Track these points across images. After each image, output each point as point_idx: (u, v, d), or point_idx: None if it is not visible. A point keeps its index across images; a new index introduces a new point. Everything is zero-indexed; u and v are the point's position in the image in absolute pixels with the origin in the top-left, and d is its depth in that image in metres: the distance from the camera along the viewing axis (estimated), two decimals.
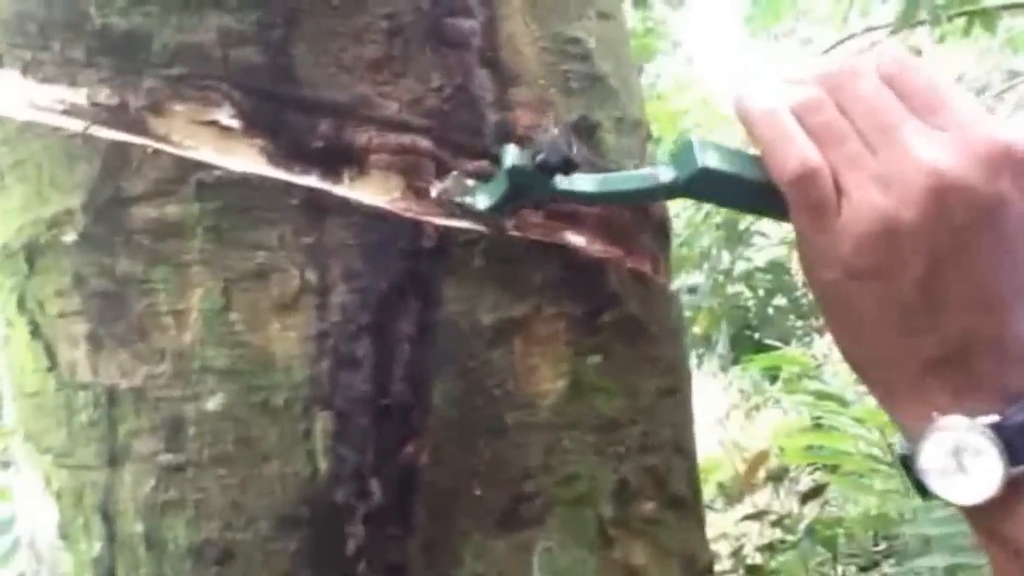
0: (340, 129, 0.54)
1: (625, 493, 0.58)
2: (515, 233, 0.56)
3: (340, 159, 0.54)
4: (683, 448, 0.63)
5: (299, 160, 0.53)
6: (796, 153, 0.49)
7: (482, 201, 0.55)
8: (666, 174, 0.54)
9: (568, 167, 0.52)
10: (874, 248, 0.48)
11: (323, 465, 0.52)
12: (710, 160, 0.52)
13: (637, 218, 0.62)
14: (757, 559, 3.62)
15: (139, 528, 0.54)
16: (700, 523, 0.64)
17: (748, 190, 0.53)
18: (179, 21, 0.52)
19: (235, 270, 0.53)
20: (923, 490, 0.51)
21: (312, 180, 0.53)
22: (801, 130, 0.49)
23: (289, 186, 0.53)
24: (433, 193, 0.55)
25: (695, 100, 4.93)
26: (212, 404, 0.53)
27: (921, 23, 4.00)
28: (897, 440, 0.54)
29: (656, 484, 0.60)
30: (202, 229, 0.53)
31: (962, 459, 0.49)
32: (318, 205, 0.53)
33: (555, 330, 0.58)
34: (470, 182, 0.55)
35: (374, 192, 0.54)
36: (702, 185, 0.53)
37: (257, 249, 0.53)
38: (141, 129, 0.53)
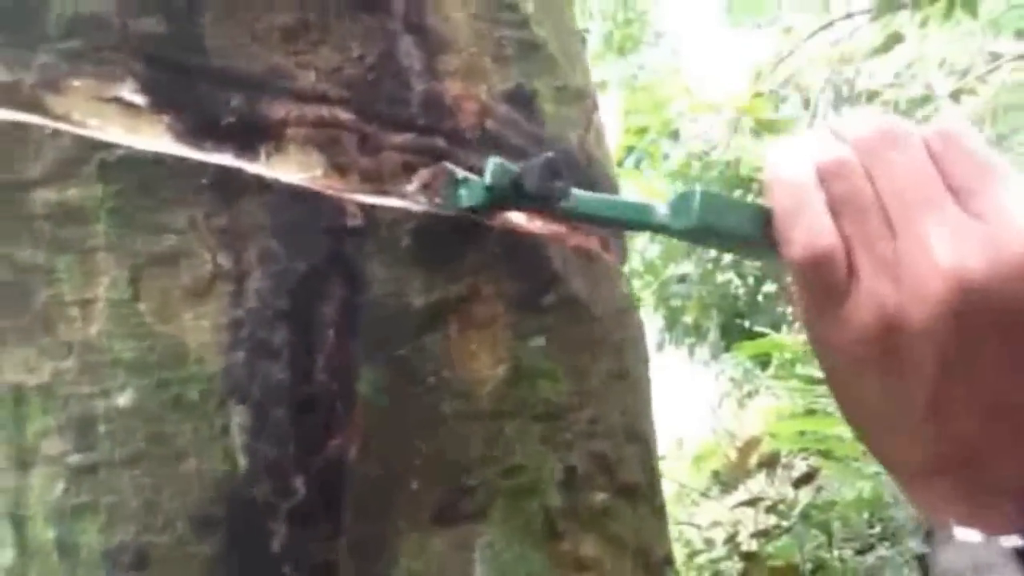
0: (254, 103, 0.50)
1: (573, 482, 0.55)
2: (449, 212, 0.52)
3: (255, 135, 0.50)
4: (637, 434, 0.59)
5: (210, 137, 0.49)
6: (806, 234, 0.43)
7: (464, 199, 0.52)
8: (662, 214, 0.50)
9: (544, 200, 0.50)
10: (876, 343, 0.43)
11: (241, 462, 0.48)
12: (709, 216, 0.48)
13: None
14: (753, 545, 3.59)
15: (50, 534, 0.50)
16: (657, 513, 0.60)
17: (748, 245, 0.49)
18: None
19: (143, 256, 0.49)
20: None
21: (225, 158, 0.49)
22: (820, 204, 0.44)
23: (200, 165, 0.49)
24: (417, 182, 0.51)
25: (678, 89, 4.87)
26: (123, 400, 0.49)
27: (903, 7, 3.97)
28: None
29: (606, 472, 0.56)
30: (105, 213, 0.49)
31: (982, 573, 0.44)
32: (232, 184, 0.49)
33: (494, 312, 0.54)
34: (459, 173, 0.52)
35: (293, 169, 0.50)
36: (698, 234, 0.49)
37: (166, 233, 0.49)
38: (38, 108, 0.49)
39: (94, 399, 0.49)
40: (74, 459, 0.50)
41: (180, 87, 0.49)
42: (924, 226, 0.42)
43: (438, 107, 0.52)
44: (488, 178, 0.50)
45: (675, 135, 4.91)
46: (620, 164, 5.16)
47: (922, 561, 0.48)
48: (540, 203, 0.51)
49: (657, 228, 0.51)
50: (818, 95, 5.42)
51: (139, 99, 0.49)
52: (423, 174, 0.52)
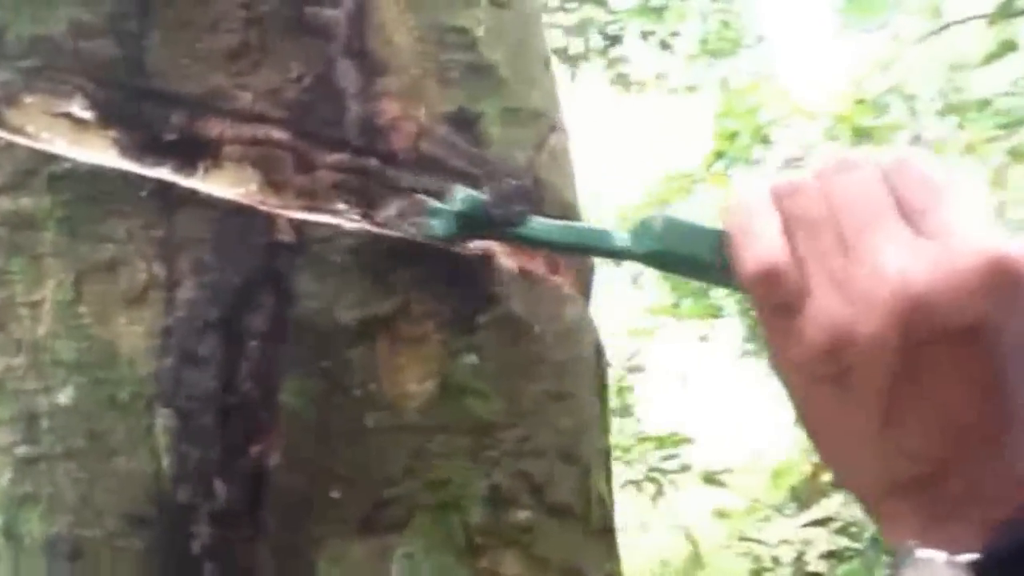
0: (193, 121, 0.52)
1: (497, 500, 0.56)
2: (380, 230, 0.54)
3: (194, 151, 0.53)
4: (573, 456, 0.60)
5: (152, 152, 0.52)
6: (758, 250, 0.45)
7: (437, 227, 0.54)
8: (621, 240, 0.52)
9: (512, 222, 0.52)
10: (829, 358, 0.43)
11: (165, 463, 0.51)
12: (668, 241, 0.50)
13: None
14: (821, 567, 3.50)
15: (0, 520, 0.54)
16: (594, 535, 0.61)
17: (708, 270, 0.50)
18: (33, 12, 0.52)
19: (86, 262, 0.52)
20: None
21: (164, 172, 0.52)
22: (772, 223, 0.45)
23: (139, 178, 0.52)
24: (389, 212, 0.53)
25: (773, 94, 4.77)
26: (63, 397, 0.52)
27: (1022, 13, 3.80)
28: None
29: (533, 492, 0.57)
30: (54, 221, 0.52)
31: None
32: (169, 198, 0.52)
33: (424, 330, 0.55)
34: (432, 203, 0.54)
35: (228, 184, 0.53)
36: (656, 260, 0.51)
37: (107, 242, 0.52)
38: None
39: (38, 395, 0.53)
40: (21, 451, 0.53)
41: (126, 105, 0.52)
42: (874, 242, 0.43)
43: (372, 128, 0.54)
44: (458, 205, 0.52)
45: (767, 141, 4.82)
46: (709, 168, 5.10)
47: None
48: (503, 228, 0.53)
49: (619, 253, 0.52)
50: (925, 103, 5.24)
51: (87, 115, 0.52)
52: (397, 204, 0.54)
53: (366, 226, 0.54)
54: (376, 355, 0.54)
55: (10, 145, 0.52)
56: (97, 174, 0.52)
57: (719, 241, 0.47)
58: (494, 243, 0.57)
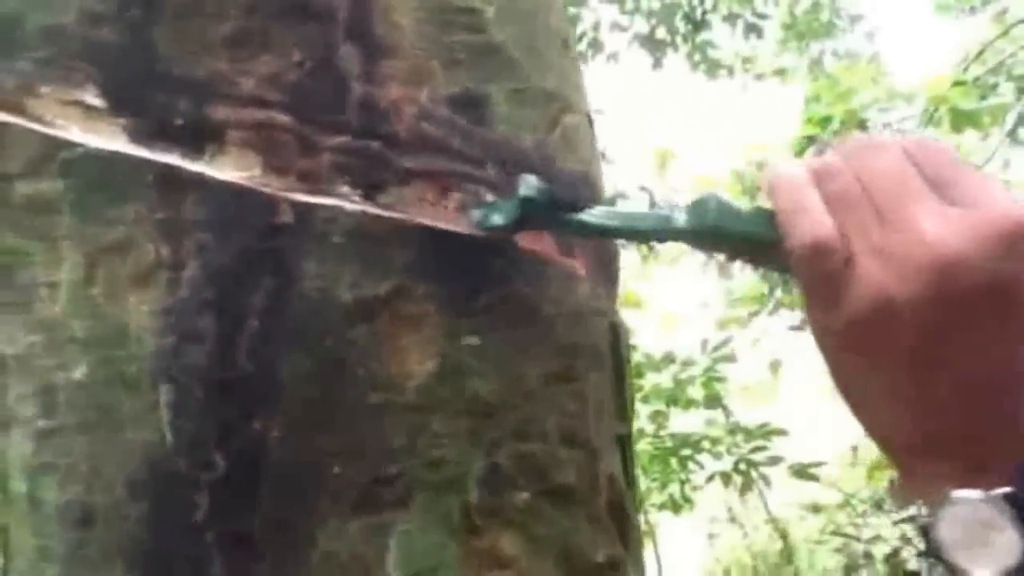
0: (199, 107, 0.54)
1: (496, 480, 0.56)
2: (382, 212, 0.55)
3: (201, 136, 0.54)
4: (577, 439, 0.59)
5: (162, 138, 0.54)
6: (809, 225, 0.48)
7: (495, 219, 0.56)
8: (679, 220, 0.53)
9: (579, 206, 0.55)
10: (872, 320, 0.47)
11: (168, 436, 0.53)
12: (723, 217, 0.52)
13: None
14: (915, 564, 3.38)
15: (23, 488, 0.57)
16: (599, 519, 0.60)
17: (756, 248, 0.53)
18: (46, 2, 0.54)
19: (97, 244, 0.54)
20: (948, 565, 0.48)
21: (173, 158, 0.54)
22: (818, 201, 0.49)
23: (146, 163, 0.53)
24: (451, 204, 0.55)
25: (867, 77, 4.60)
26: (78, 373, 0.54)
27: None
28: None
29: (534, 473, 0.57)
30: (67, 205, 0.54)
31: (981, 532, 0.47)
32: (175, 182, 0.54)
33: (425, 310, 0.56)
34: (490, 198, 0.57)
35: (232, 168, 0.54)
36: (711, 238, 0.53)
37: (116, 224, 0.54)
38: (17, 109, 0.55)
39: (55, 371, 0.55)
40: (41, 423, 0.56)
41: (135, 92, 0.54)
42: (908, 212, 0.46)
43: (374, 111, 0.54)
44: (522, 191, 0.54)
45: (862, 125, 4.66)
46: (800, 155, 4.97)
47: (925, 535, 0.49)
48: (566, 215, 0.55)
49: (674, 235, 0.54)
50: None
51: (99, 102, 0.54)
52: (455, 197, 0.55)
53: (367, 208, 0.55)
54: (377, 335, 0.55)
55: (27, 132, 0.55)
56: (107, 159, 0.54)
57: (765, 218, 0.50)
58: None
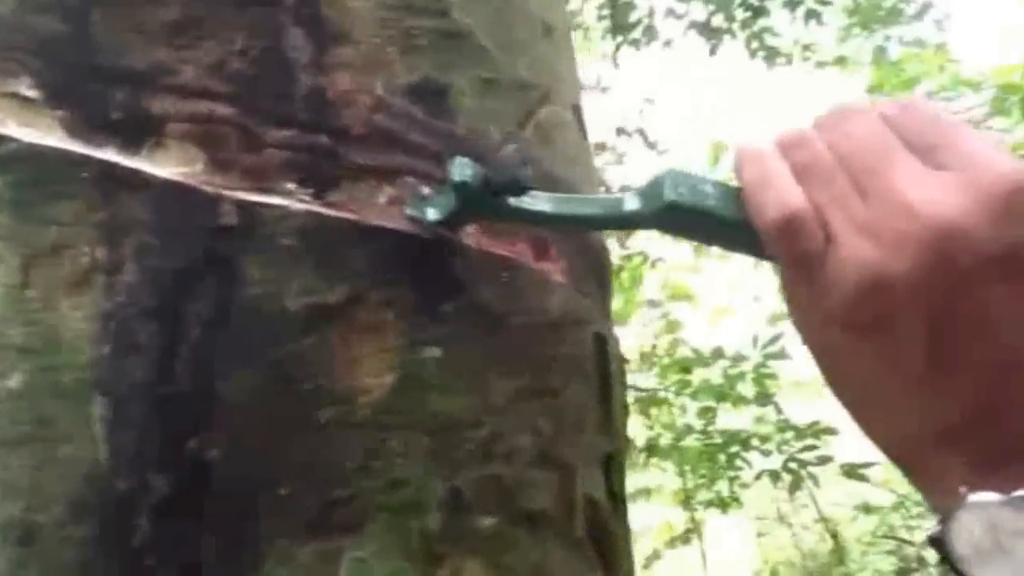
0: (138, 98, 0.50)
1: (458, 504, 0.51)
2: (332, 212, 0.50)
3: (140, 130, 0.50)
4: (553, 459, 0.54)
5: (99, 131, 0.51)
6: (776, 197, 0.44)
7: (432, 214, 0.52)
8: (631, 203, 0.48)
9: (516, 189, 0.49)
10: (865, 304, 0.42)
11: (104, 453, 0.49)
12: (681, 195, 0.46)
13: None
14: None
15: None
16: (576, 544, 0.55)
17: (724, 228, 0.47)
18: None
19: (32, 246, 0.51)
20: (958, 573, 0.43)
21: (110, 153, 0.50)
22: (786, 172, 0.44)
23: (84, 159, 0.50)
24: (381, 199, 0.51)
25: (933, 65, 4.41)
26: (13, 382, 0.51)
27: None
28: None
29: (501, 496, 0.52)
30: (5, 203, 0.51)
31: (1000, 538, 0.42)
32: (114, 179, 0.50)
33: (383, 319, 0.51)
34: (425, 190, 0.52)
35: (172, 164, 0.50)
36: (670, 219, 0.47)
37: (52, 224, 0.51)
38: None
39: None
40: None
41: (73, 83, 0.50)
42: (891, 181, 0.42)
43: (322, 102, 0.50)
44: (455, 175, 0.49)
45: None
46: None
47: (935, 544, 0.44)
48: (504, 200, 0.49)
49: (627, 222, 0.49)
50: None
51: (35, 94, 0.50)
52: (388, 191, 0.51)
53: (317, 207, 0.50)
54: (329, 346, 0.51)
55: None
56: (44, 155, 0.51)
57: (730, 193, 0.46)
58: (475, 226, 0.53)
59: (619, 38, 4.15)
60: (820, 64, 5.20)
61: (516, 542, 0.53)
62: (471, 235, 0.53)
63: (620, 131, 3.95)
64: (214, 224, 0.50)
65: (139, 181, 0.50)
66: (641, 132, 3.99)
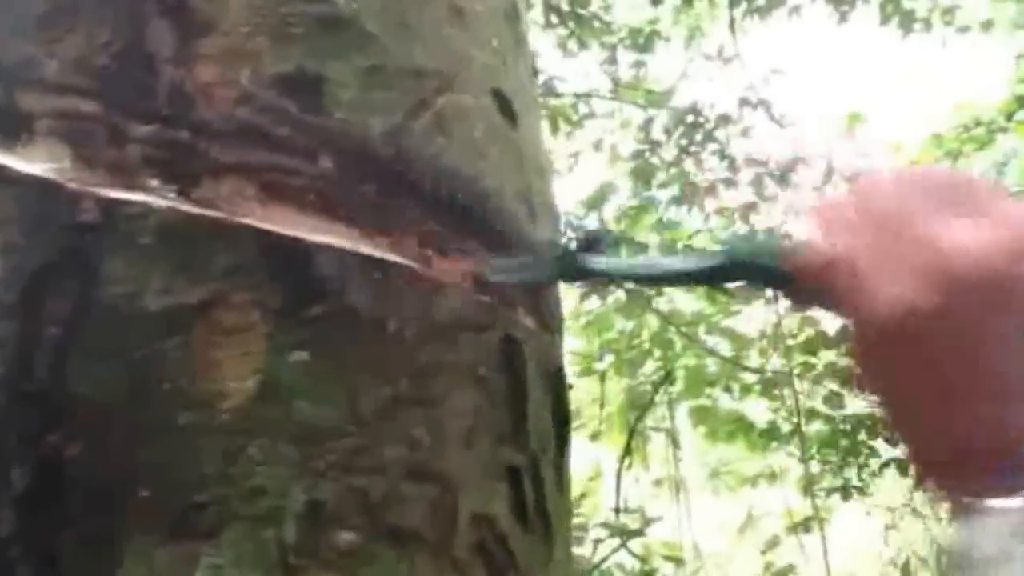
0: (10, 93, 0.49)
1: (317, 517, 0.49)
2: (195, 210, 0.49)
3: (11, 126, 0.50)
4: (430, 473, 0.52)
5: None
6: (816, 249, 0.49)
7: (525, 277, 0.57)
8: (707, 260, 0.52)
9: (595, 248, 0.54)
10: (896, 338, 0.46)
11: None
12: (737, 254, 0.52)
13: (402, 200, 0.51)
14: None
15: None
16: (458, 566, 0.52)
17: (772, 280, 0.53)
18: None
19: None
20: None
21: None
22: (825, 228, 0.50)
23: None
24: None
25: None
26: None
27: None
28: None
29: (364, 511, 0.50)
30: None
31: (1018, 545, 0.44)
32: None
33: (247, 320, 0.50)
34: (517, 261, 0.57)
35: (40, 160, 0.50)
36: (723, 273, 0.53)
37: None
38: None
39: None
40: None
41: None
42: (919, 225, 0.46)
43: (183, 96, 0.48)
44: (555, 250, 0.57)
45: None
46: (1010, 118, 4.47)
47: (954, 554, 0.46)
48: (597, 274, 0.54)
49: (706, 277, 0.53)
50: None
51: None
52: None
53: (177, 204, 0.49)
54: (190, 347, 0.50)
55: None
56: None
57: (779, 249, 0.51)
58: (334, 226, 0.50)
59: (743, 4, 3.98)
60: (962, 29, 4.79)
61: (378, 558, 0.50)
62: (343, 233, 0.50)
63: (744, 102, 3.78)
64: (75, 221, 0.49)
65: (8, 177, 0.50)
66: (765, 104, 3.82)
